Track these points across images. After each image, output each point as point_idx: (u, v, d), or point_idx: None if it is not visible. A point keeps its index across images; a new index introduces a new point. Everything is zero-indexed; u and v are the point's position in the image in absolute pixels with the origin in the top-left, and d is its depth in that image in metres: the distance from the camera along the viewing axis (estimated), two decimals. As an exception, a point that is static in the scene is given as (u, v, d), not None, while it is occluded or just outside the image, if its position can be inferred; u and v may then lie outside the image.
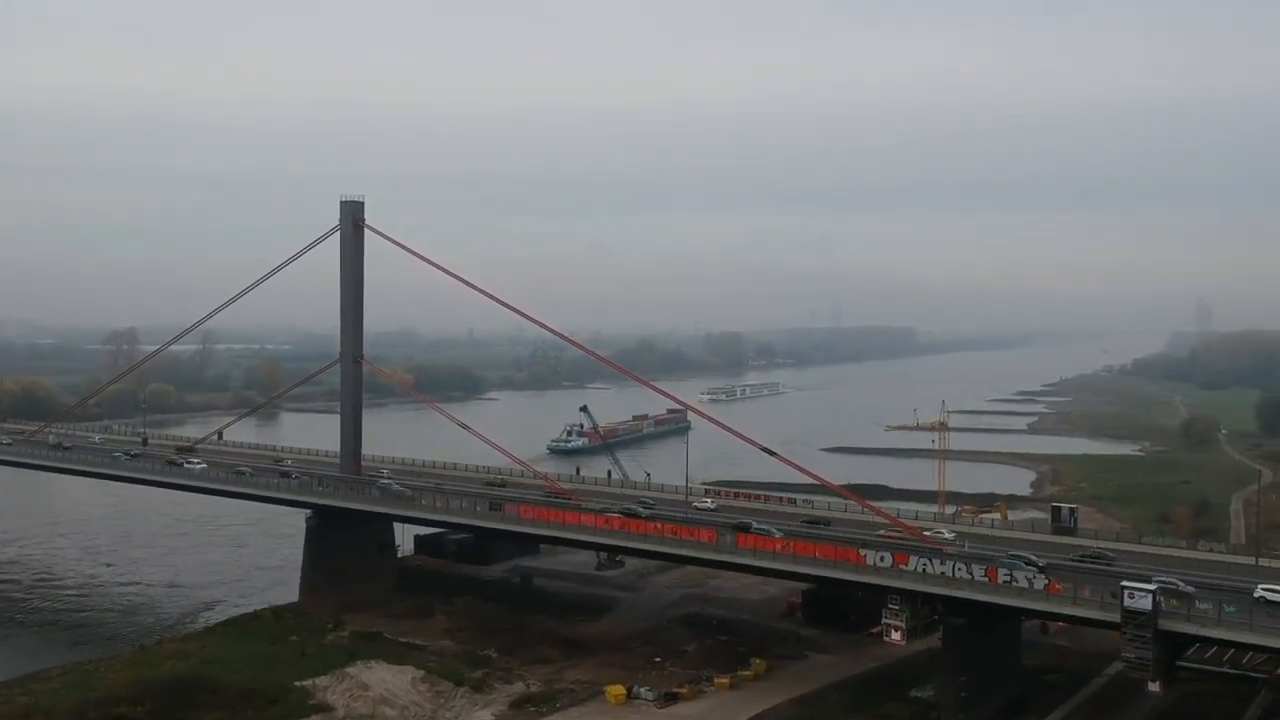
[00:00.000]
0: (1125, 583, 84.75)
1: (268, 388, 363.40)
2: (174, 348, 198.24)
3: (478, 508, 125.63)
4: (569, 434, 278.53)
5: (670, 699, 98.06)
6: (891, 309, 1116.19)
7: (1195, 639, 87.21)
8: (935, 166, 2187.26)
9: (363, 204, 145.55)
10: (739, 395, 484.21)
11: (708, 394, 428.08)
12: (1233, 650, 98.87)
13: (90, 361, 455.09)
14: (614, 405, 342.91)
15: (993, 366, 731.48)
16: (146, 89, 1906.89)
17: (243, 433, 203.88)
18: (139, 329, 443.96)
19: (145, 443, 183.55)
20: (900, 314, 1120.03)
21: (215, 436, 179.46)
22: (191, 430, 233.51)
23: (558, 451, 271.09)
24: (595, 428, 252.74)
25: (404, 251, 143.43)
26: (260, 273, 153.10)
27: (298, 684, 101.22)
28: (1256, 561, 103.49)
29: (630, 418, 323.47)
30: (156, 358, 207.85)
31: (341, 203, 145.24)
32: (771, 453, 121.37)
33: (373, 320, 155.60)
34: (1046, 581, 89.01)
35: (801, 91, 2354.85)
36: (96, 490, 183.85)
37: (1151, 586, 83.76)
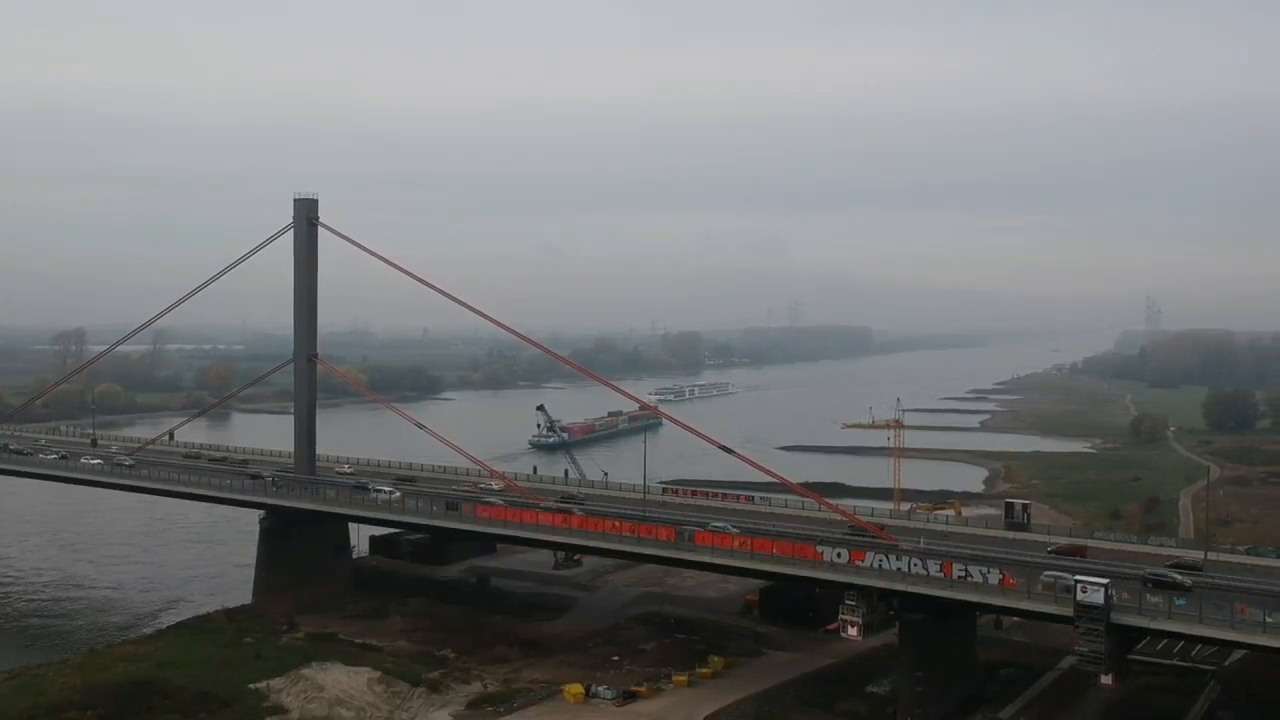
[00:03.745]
0: (1078, 577, 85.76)
1: (220, 388, 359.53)
2: (124, 348, 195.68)
3: (433, 507, 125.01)
4: (549, 430, 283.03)
5: (628, 697, 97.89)
6: (847, 309, 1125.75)
7: (1147, 632, 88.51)
8: (889, 169, 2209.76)
9: (316, 202, 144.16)
10: (688, 395, 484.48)
11: (656, 394, 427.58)
12: (1182, 643, 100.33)
13: (37, 362, 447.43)
14: (571, 405, 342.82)
15: (947, 365, 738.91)
16: (92, 81, 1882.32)
17: (195, 434, 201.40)
18: (87, 329, 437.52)
19: (94, 443, 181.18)
20: (856, 314, 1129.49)
21: (166, 437, 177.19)
22: (142, 431, 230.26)
23: (539, 446, 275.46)
24: (553, 426, 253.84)
25: (358, 250, 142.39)
26: (211, 272, 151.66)
27: (252, 686, 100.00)
28: (1205, 555, 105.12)
29: (606, 414, 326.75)
30: (106, 358, 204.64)
31: (295, 200, 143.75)
32: (730, 450, 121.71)
33: (326, 319, 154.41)
34: (1001, 577, 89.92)
35: (756, 94, 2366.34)
36: (64, 492, 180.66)
37: (1104, 581, 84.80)
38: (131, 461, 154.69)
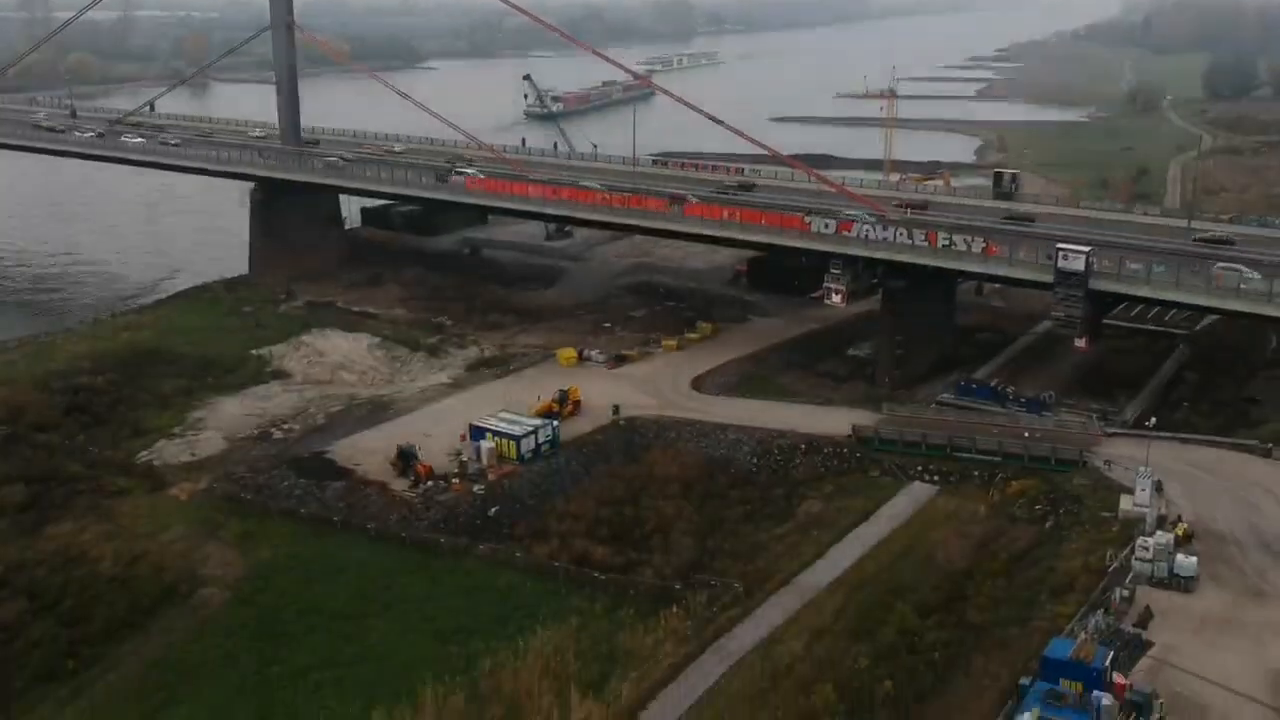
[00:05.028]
0: (1060, 245, 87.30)
1: (196, 57, 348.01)
2: (92, 14, 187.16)
3: (424, 179, 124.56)
4: (538, 100, 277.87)
5: (620, 360, 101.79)
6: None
7: (1123, 297, 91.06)
8: None
9: None
10: (676, 65, 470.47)
11: (643, 63, 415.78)
12: (1157, 308, 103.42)
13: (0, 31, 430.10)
14: (559, 74, 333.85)
15: (947, 30, 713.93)
16: None
17: (174, 104, 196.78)
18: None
19: (74, 115, 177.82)
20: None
21: (146, 108, 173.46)
22: (120, 102, 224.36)
23: (534, 116, 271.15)
24: (541, 96, 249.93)
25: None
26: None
27: (254, 352, 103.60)
28: (1189, 224, 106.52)
29: (600, 83, 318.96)
30: (74, 25, 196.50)
31: None
32: (719, 121, 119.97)
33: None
34: (984, 244, 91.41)
35: None
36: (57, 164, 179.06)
37: (1085, 248, 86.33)
38: (177, 142, 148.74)
